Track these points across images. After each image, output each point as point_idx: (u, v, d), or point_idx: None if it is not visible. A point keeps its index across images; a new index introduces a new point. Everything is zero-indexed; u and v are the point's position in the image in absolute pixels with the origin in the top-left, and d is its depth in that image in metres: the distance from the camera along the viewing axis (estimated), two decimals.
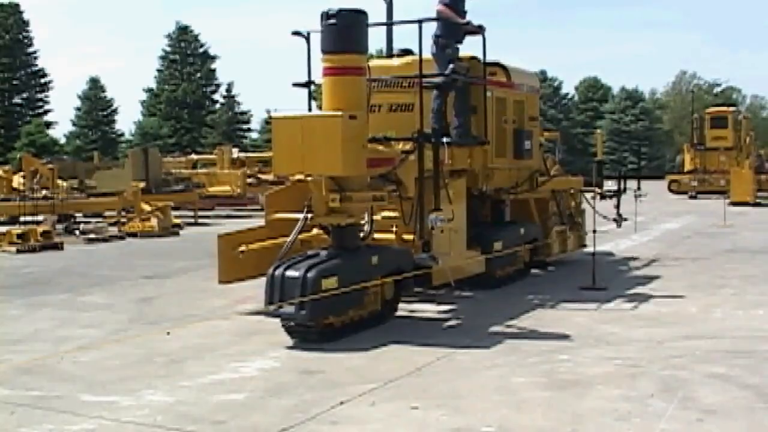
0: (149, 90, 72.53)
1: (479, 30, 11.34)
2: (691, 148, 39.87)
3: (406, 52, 11.92)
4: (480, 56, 11.72)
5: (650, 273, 13.63)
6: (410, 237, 10.30)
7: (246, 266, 10.32)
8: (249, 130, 71.46)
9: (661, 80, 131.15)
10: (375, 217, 10.26)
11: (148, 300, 11.86)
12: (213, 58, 72.64)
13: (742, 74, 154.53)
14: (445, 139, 10.49)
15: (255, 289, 11.22)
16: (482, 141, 11.70)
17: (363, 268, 9.27)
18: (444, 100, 11.20)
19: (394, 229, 10.40)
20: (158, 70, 72.53)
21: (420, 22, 10.24)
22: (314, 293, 8.42)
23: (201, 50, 72.43)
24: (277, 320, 9.18)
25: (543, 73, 72.94)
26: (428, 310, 10.66)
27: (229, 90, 71.81)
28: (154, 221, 22.11)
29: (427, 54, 10.85)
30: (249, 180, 31.24)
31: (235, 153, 35.76)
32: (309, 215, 9.51)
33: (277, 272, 8.76)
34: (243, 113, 71.52)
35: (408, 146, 10.19)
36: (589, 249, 13.72)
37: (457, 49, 11.40)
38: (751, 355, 7.97)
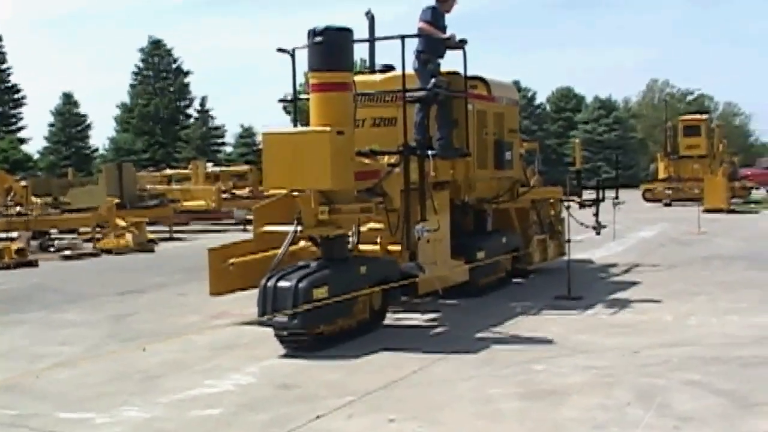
0: (123, 105, 72.48)
1: (460, 45, 11.69)
2: (664, 156, 40.16)
3: (389, 67, 12.30)
4: (461, 70, 12.04)
5: (626, 281, 13.88)
6: (396, 248, 10.62)
7: (236, 278, 10.63)
8: (223, 144, 71.45)
9: (634, 89, 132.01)
10: (361, 229, 10.61)
11: (123, 316, 11.95)
12: (186, 72, 72.68)
13: (715, 81, 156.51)
14: (430, 152, 10.85)
15: (231, 304, 11.50)
16: (464, 153, 12.02)
17: (352, 278, 9.57)
18: (426, 114, 11.55)
19: (379, 240, 10.70)
20: (131, 85, 72.47)
21: (402, 38, 10.57)
22: (306, 303, 8.71)
23: (174, 65, 72.47)
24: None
25: (516, 83, 73.45)
26: (413, 318, 10.93)
27: (202, 104, 71.86)
28: (129, 237, 22.16)
29: (409, 69, 11.17)
30: (224, 194, 31.39)
31: (210, 167, 35.96)
32: (299, 228, 9.80)
33: (270, 283, 9.04)
34: (217, 128, 71.52)
35: (393, 159, 10.53)
36: (572, 257, 14.07)
37: (439, 63, 11.77)
38: (726, 361, 8.15)
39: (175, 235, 26.64)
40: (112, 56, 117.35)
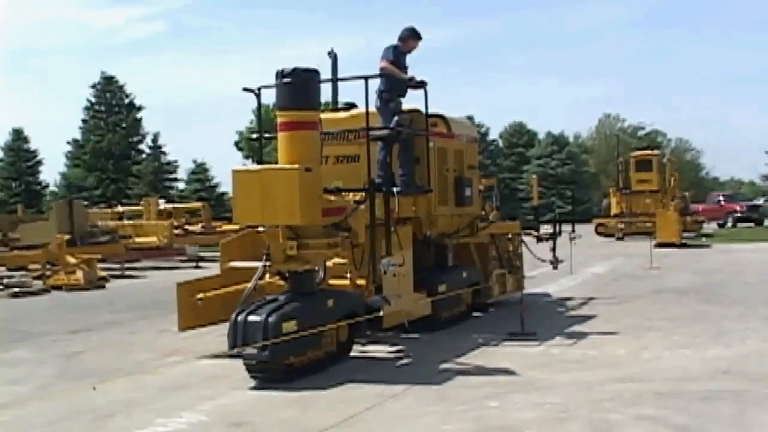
0: (74, 141, 72.07)
1: (421, 85, 12.13)
2: (617, 191, 40.69)
3: (351, 104, 12.75)
4: (421, 108, 12.42)
5: (580, 315, 14.05)
6: (362, 282, 10.97)
7: (204, 313, 11.00)
8: (176, 179, 71.18)
9: (585, 124, 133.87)
10: (327, 264, 10.92)
11: (74, 354, 11.92)
12: (139, 108, 72.48)
13: (667, 118, 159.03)
14: (394, 189, 11.24)
15: (183, 341, 11.68)
16: (426, 189, 12.40)
17: (320, 311, 9.89)
18: (389, 152, 11.93)
19: (348, 274, 11.03)
20: (83, 120, 72.08)
21: (366, 78, 10.96)
22: (275, 336, 9.01)
23: (126, 100, 72.29)
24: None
25: (470, 119, 74.12)
26: (378, 351, 11.24)
27: (155, 140, 71.64)
28: (79, 274, 22.14)
29: (372, 108, 11.51)
30: (176, 231, 31.35)
31: (162, 204, 35.98)
32: (267, 263, 10.08)
33: (240, 317, 9.32)
34: (169, 163, 71.32)
35: (358, 196, 10.87)
36: (526, 291, 14.43)
37: (401, 102, 12.18)
38: (679, 395, 8.19)
39: (127, 272, 26.58)
40: (63, 91, 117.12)
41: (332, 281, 11.06)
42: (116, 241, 28.50)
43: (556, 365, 9.98)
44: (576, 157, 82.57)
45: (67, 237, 24.64)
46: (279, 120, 10.00)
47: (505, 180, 74.85)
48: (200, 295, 10.81)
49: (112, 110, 71.83)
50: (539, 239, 15.95)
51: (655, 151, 45.32)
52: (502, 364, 10.05)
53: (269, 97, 10.82)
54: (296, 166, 9.61)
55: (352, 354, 10.68)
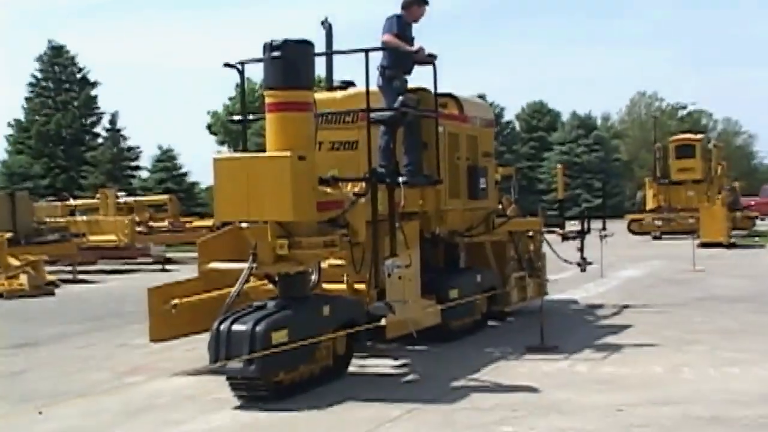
0: (16, 122, 72.04)
1: (430, 59, 12.33)
2: (653, 182, 40.88)
3: (349, 83, 12.84)
4: (429, 87, 12.62)
5: (611, 326, 14.19)
6: (361, 286, 11.19)
7: (180, 322, 11.10)
8: (137, 168, 71.14)
9: (616, 104, 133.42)
10: (322, 266, 11.08)
11: (17, 373, 11.93)
12: (93, 84, 72.44)
13: (713, 96, 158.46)
14: (400, 180, 11.44)
15: (148, 357, 11.82)
16: (436, 180, 12.60)
17: (314, 319, 10.08)
18: (393, 136, 12.08)
19: (345, 278, 11.25)
20: (27, 99, 72.03)
21: (366, 51, 11.13)
22: (264, 348, 9.17)
23: (79, 75, 72.25)
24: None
25: (481, 98, 74.01)
26: (380, 365, 11.42)
27: (113, 122, 71.37)
28: (23, 278, 22.24)
29: (373, 86, 11.64)
30: (138, 228, 31.57)
31: (122, 197, 36.11)
32: (254, 264, 10.16)
33: (223, 327, 9.47)
34: (130, 149, 71.25)
35: (358, 188, 11.06)
36: (549, 297, 14.55)
37: (406, 80, 12.35)
38: (726, 422, 8.14)
39: (80, 277, 26.68)
40: (2, 64, 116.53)
41: (326, 286, 11.27)
42: (67, 240, 28.44)
43: (582, 385, 10.00)
44: (605, 142, 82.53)
45: (8, 235, 24.61)
46: (267, 100, 10.17)
47: (523, 169, 74.99)
48: (175, 302, 10.93)
49: (61, 87, 71.73)
50: (564, 238, 16.07)
51: (699, 135, 45.20)
52: (520, 383, 10.10)
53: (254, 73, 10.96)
54: (287, 153, 9.78)
55: (350, 369, 10.87)
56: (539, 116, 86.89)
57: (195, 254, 12.14)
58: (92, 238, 30.84)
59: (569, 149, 79.14)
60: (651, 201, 40.65)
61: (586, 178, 75.00)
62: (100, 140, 71.56)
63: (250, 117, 12.82)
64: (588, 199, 71.50)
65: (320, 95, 12.36)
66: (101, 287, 24.32)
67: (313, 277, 10.84)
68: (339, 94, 12.65)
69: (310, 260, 10.45)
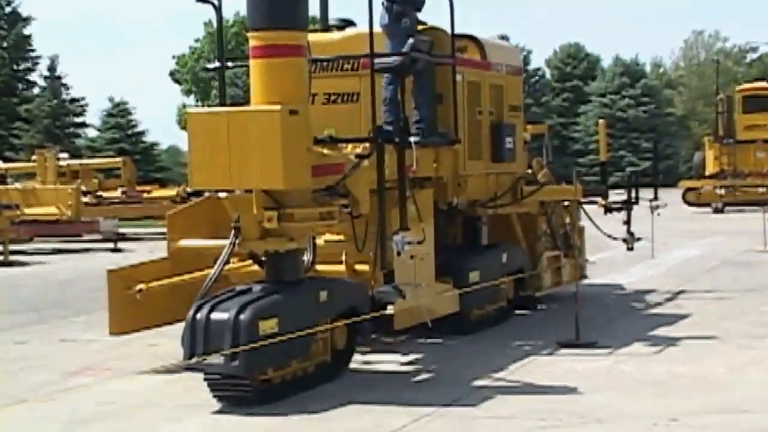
0: None
1: None
2: (715, 142, 40.98)
3: (348, 22, 12.96)
4: (445, 27, 12.69)
5: (663, 317, 14.28)
6: (364, 267, 11.31)
7: (146, 311, 11.19)
8: (84, 125, 71.05)
9: (668, 46, 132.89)
10: (316, 242, 11.17)
11: None
12: (26, 20, 72.21)
13: None
14: (412, 139, 11.53)
15: (98, 354, 11.97)
16: (453, 139, 12.65)
17: (309, 307, 10.18)
18: (401, 87, 12.10)
19: (344, 257, 11.37)
20: None
21: None
22: (250, 339, 9.22)
23: (8, 8, 72.01)
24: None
25: (503, 39, 73.55)
26: (386, 362, 11.58)
27: (52, 68, 71.31)
28: None
29: (377, 26, 11.75)
30: (85, 198, 31.50)
31: (64, 159, 36.20)
32: (236, 241, 10.23)
33: (200, 315, 9.54)
34: (74, 101, 71.08)
35: (359, 149, 11.12)
36: (588, 281, 14.61)
37: (416, 18, 12.42)
38: None
39: (13, 258, 26.78)
40: None
41: (321, 267, 11.29)
42: None
43: (626, 387, 10.05)
44: (656, 93, 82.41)
45: None
46: (251, 43, 10.26)
47: (555, 126, 75.00)
48: (140, 287, 10.93)
49: None
50: (607, 209, 16.14)
51: None
52: (552, 384, 10.19)
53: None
54: (277, 107, 9.83)
55: (351, 366, 11.01)
56: (574, 62, 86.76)
57: (154, 230, 12.25)
58: (27, 210, 30.33)
59: (611, 102, 79.06)
60: (712, 165, 40.73)
61: (632, 137, 74.92)
62: (36, 90, 71.40)
63: (229, 64, 12.90)
64: (634, 162, 71.27)
65: (314, 37, 12.27)
66: (39, 270, 24.51)
67: (307, 257, 10.89)
68: (336, 35, 12.79)
69: (304, 235, 10.51)
